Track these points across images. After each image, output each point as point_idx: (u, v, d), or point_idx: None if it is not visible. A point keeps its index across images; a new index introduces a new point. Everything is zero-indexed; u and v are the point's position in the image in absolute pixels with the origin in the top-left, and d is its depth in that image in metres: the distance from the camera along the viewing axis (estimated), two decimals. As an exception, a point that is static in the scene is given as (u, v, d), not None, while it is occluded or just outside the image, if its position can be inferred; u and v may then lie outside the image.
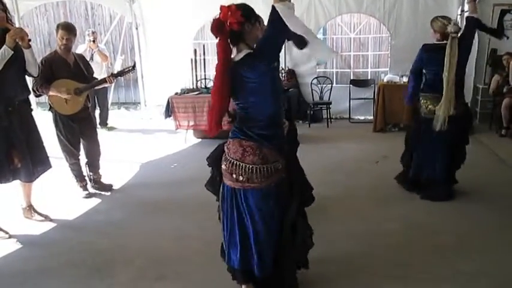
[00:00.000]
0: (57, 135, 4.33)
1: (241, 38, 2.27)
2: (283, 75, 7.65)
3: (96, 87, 4.67)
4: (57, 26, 4.20)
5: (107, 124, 7.77)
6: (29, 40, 3.47)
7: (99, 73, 6.52)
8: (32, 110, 3.82)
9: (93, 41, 7.31)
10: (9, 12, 3.49)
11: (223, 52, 2.23)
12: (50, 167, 3.89)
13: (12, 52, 3.33)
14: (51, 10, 11.06)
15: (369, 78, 8.66)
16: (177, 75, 7.59)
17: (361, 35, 10.13)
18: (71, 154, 4.40)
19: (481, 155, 5.65)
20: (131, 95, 10.82)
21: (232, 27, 2.19)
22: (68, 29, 4.17)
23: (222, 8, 2.22)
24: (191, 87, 6.91)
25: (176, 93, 6.70)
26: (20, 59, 3.51)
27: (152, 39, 8.42)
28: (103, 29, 10.63)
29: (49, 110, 4.35)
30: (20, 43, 3.41)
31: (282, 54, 7.73)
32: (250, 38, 2.29)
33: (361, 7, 7.77)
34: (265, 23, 2.27)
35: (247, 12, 2.25)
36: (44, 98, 4.33)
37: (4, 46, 3.29)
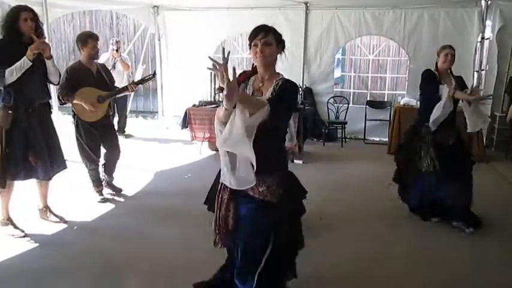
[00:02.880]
0: (78, 140, 4.45)
1: None
2: (300, 93, 7.72)
3: (117, 95, 4.81)
4: (83, 38, 4.34)
5: (124, 132, 7.91)
6: (50, 50, 3.65)
7: (120, 81, 6.69)
8: (51, 113, 3.96)
9: (117, 50, 7.52)
10: (41, 22, 3.70)
11: None
12: (66, 167, 4.00)
13: (31, 63, 3.48)
14: (78, 18, 11.41)
15: (386, 100, 8.68)
16: (196, 87, 7.70)
17: (379, 57, 10.20)
18: (91, 160, 4.52)
19: (496, 183, 5.62)
20: (149, 104, 11.00)
21: None
22: (96, 37, 4.39)
23: None
24: (209, 99, 7.02)
25: (194, 105, 6.83)
26: (43, 66, 3.69)
27: (173, 50, 8.61)
28: (126, 39, 10.93)
29: (72, 116, 4.48)
30: (42, 54, 3.59)
31: (300, 72, 7.86)
32: None
33: (381, 30, 7.82)
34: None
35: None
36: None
37: (24, 57, 3.45)
